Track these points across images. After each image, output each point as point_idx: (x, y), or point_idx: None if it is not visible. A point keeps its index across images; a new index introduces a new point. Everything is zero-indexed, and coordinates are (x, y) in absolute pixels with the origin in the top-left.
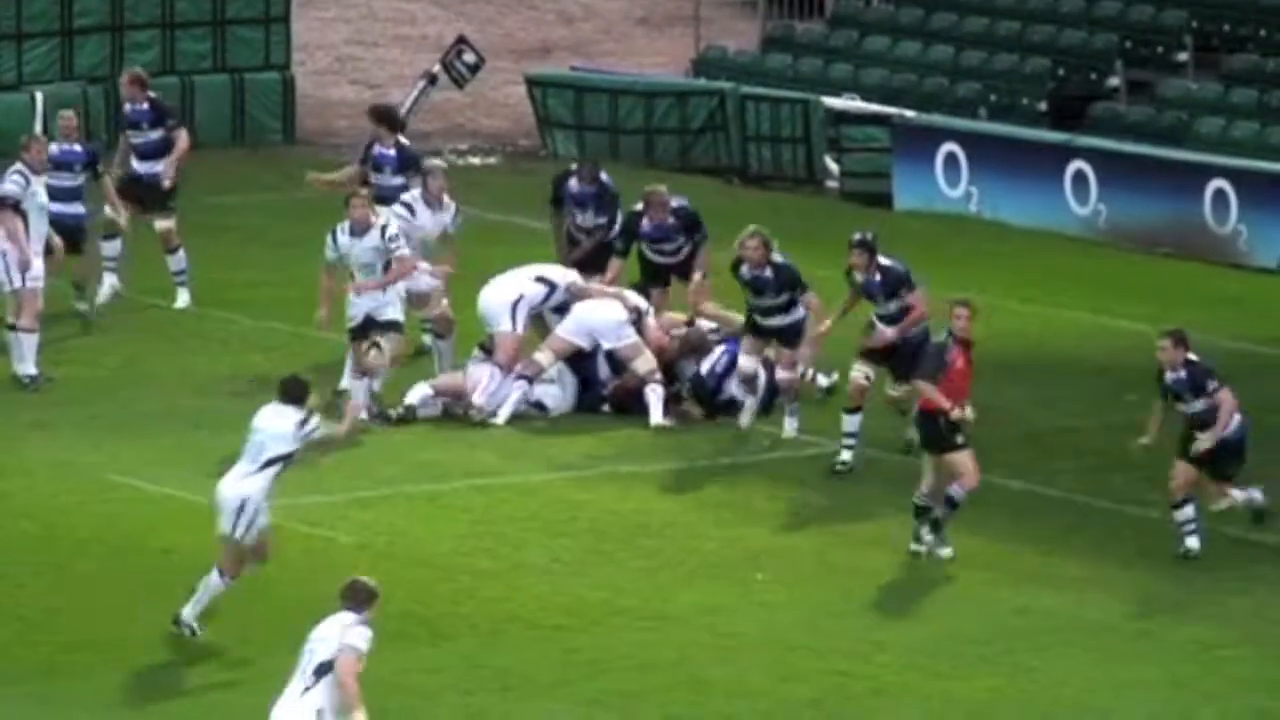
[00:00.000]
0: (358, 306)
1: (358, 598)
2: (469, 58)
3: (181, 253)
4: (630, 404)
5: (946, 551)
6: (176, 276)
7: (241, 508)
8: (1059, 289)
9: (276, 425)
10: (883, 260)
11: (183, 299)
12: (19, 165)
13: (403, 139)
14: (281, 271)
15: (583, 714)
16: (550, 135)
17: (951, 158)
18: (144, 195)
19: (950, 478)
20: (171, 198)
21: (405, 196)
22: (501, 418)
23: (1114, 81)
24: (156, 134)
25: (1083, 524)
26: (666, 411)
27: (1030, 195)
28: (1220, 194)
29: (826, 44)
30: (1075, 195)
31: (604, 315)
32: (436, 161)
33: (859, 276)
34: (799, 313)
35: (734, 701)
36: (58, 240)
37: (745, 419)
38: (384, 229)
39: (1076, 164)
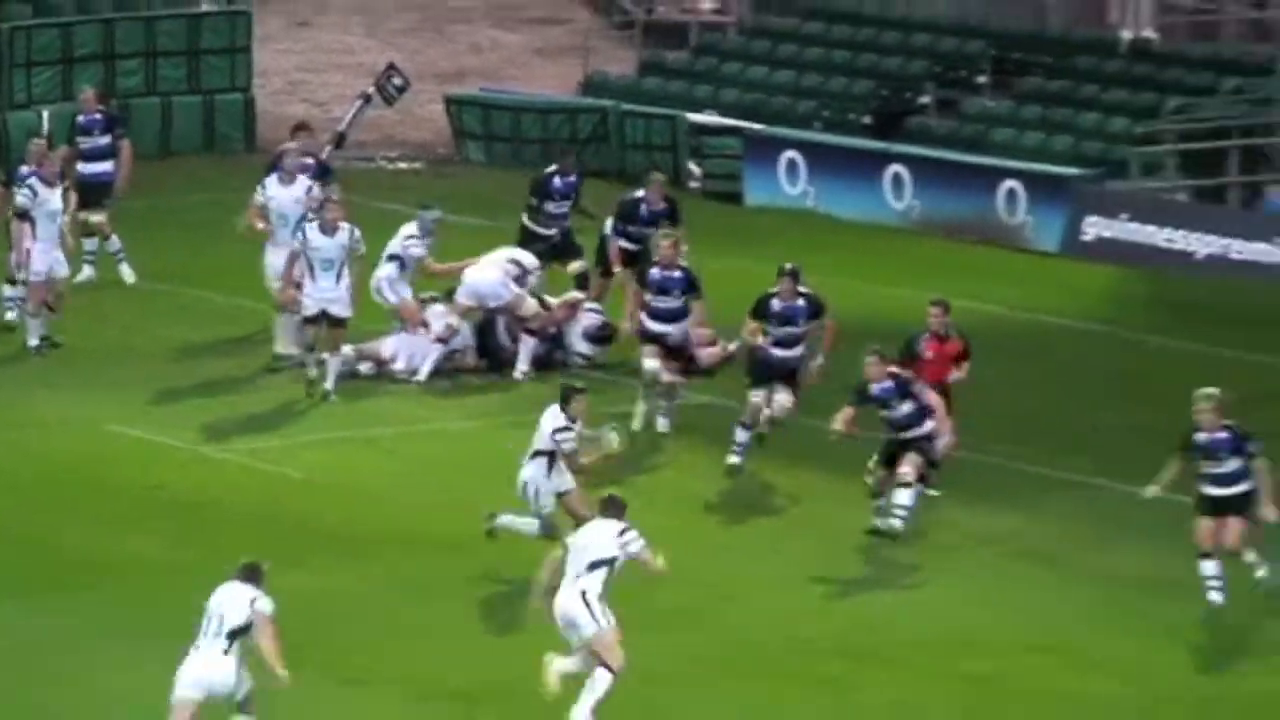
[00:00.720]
0: (314, 298)
1: (254, 576)
2: (398, 81)
3: (115, 237)
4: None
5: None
6: (117, 255)
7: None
8: (882, 271)
9: (599, 541)
10: (802, 288)
11: (128, 273)
12: (32, 179)
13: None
14: (246, 258)
15: (482, 611)
16: (464, 145)
17: (792, 163)
18: (87, 193)
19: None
20: (109, 195)
21: (306, 224)
22: (423, 374)
23: (925, 100)
24: (104, 140)
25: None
26: (533, 364)
27: (856, 193)
28: (1011, 192)
29: (691, 69)
30: (893, 193)
31: (486, 278)
32: (335, 199)
33: (778, 304)
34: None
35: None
36: (70, 241)
37: (663, 423)
38: (353, 231)
39: (894, 168)
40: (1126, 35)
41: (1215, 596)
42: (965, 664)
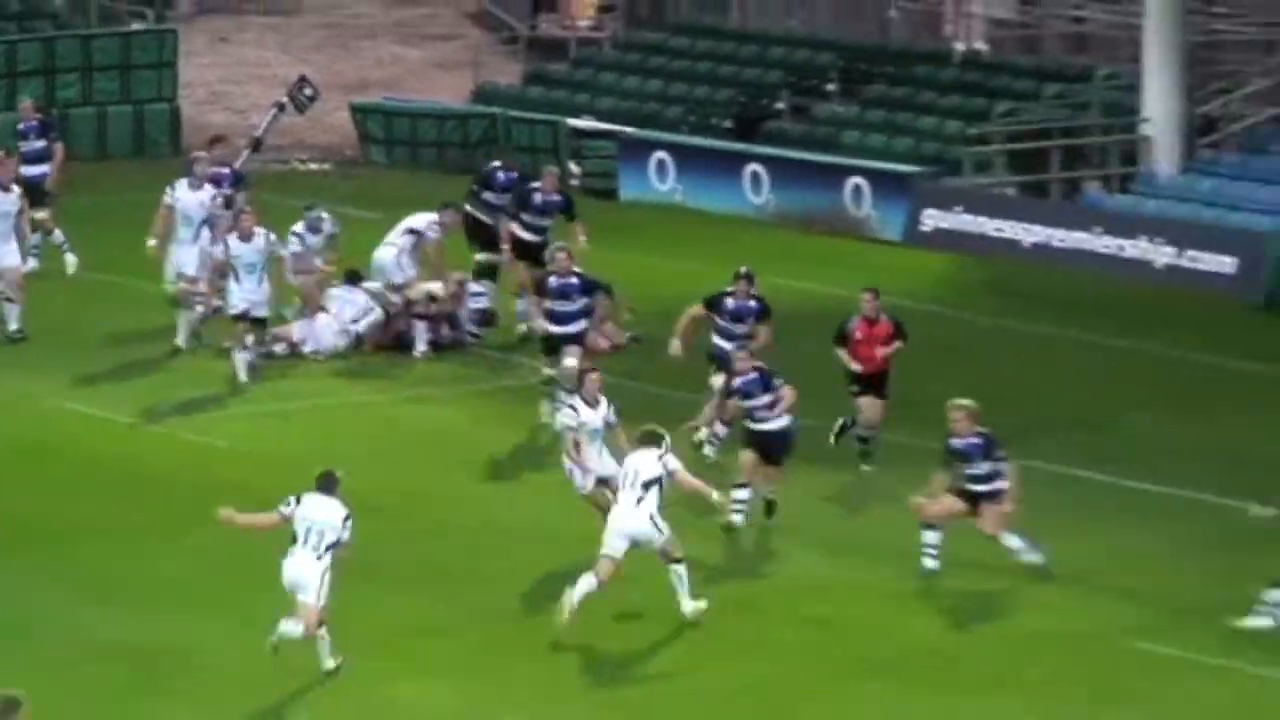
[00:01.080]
0: (241, 299)
1: (330, 485)
2: (308, 91)
3: (58, 230)
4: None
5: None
6: (62, 246)
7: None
8: (742, 259)
9: (646, 464)
10: (754, 291)
11: (72, 262)
12: None
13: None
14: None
15: (389, 558)
16: (368, 148)
17: (662, 162)
18: (29, 193)
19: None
20: (49, 195)
21: (228, 235)
22: (324, 354)
23: (780, 106)
24: (40, 144)
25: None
26: (430, 345)
27: (719, 189)
28: (858, 188)
29: (571, 79)
30: (752, 189)
31: (383, 255)
32: (247, 210)
33: (731, 303)
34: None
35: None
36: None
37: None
38: (269, 236)
39: (753, 166)
40: (960, 47)
41: (929, 563)
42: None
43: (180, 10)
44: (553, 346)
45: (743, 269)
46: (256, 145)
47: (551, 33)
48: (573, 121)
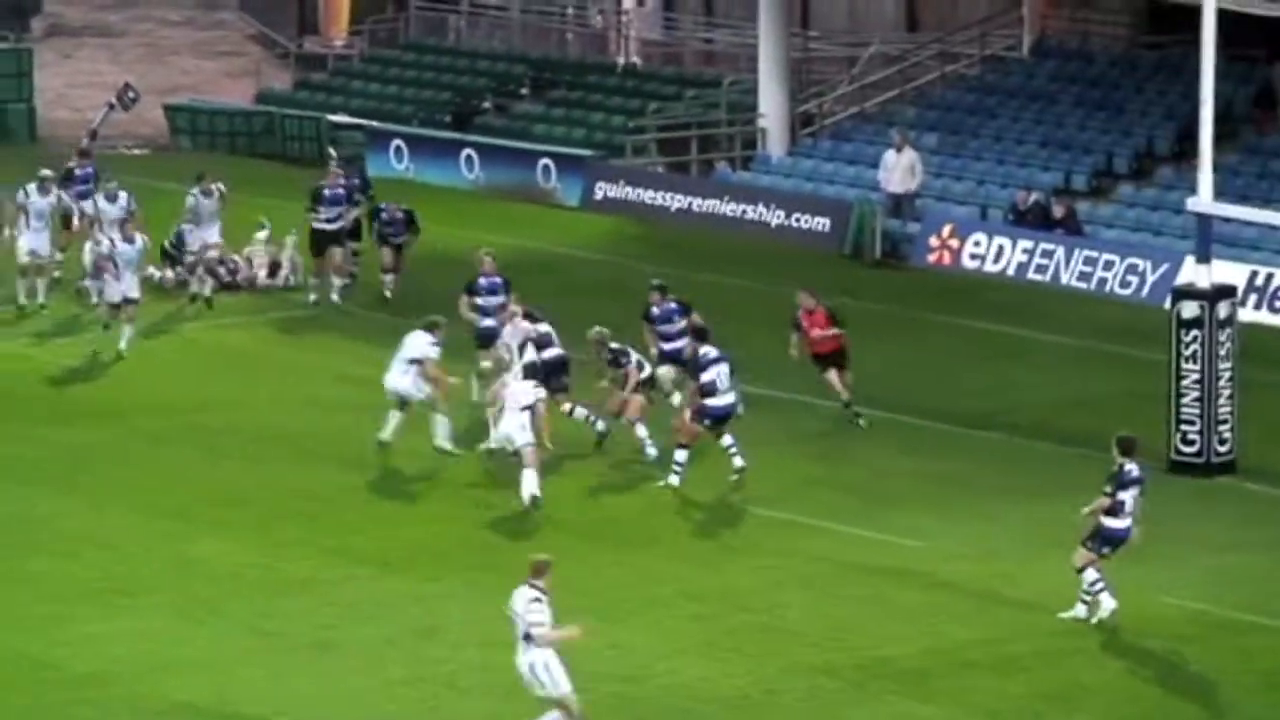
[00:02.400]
0: (118, 290)
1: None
2: (132, 94)
3: None
4: None
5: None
6: None
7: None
8: (458, 221)
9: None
10: (670, 296)
11: None
12: None
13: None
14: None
15: (205, 455)
16: (177, 138)
17: (399, 148)
18: None
19: None
20: None
21: (114, 236)
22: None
23: (486, 105)
24: None
25: None
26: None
27: (441, 168)
28: (546, 167)
29: (329, 85)
30: (466, 168)
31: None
32: (132, 216)
33: (655, 309)
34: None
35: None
36: None
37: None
38: (145, 240)
39: (467, 150)
40: (621, 60)
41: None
42: None
43: (34, 33)
44: (484, 338)
45: (654, 281)
46: (93, 135)
47: (314, 50)
48: (331, 117)
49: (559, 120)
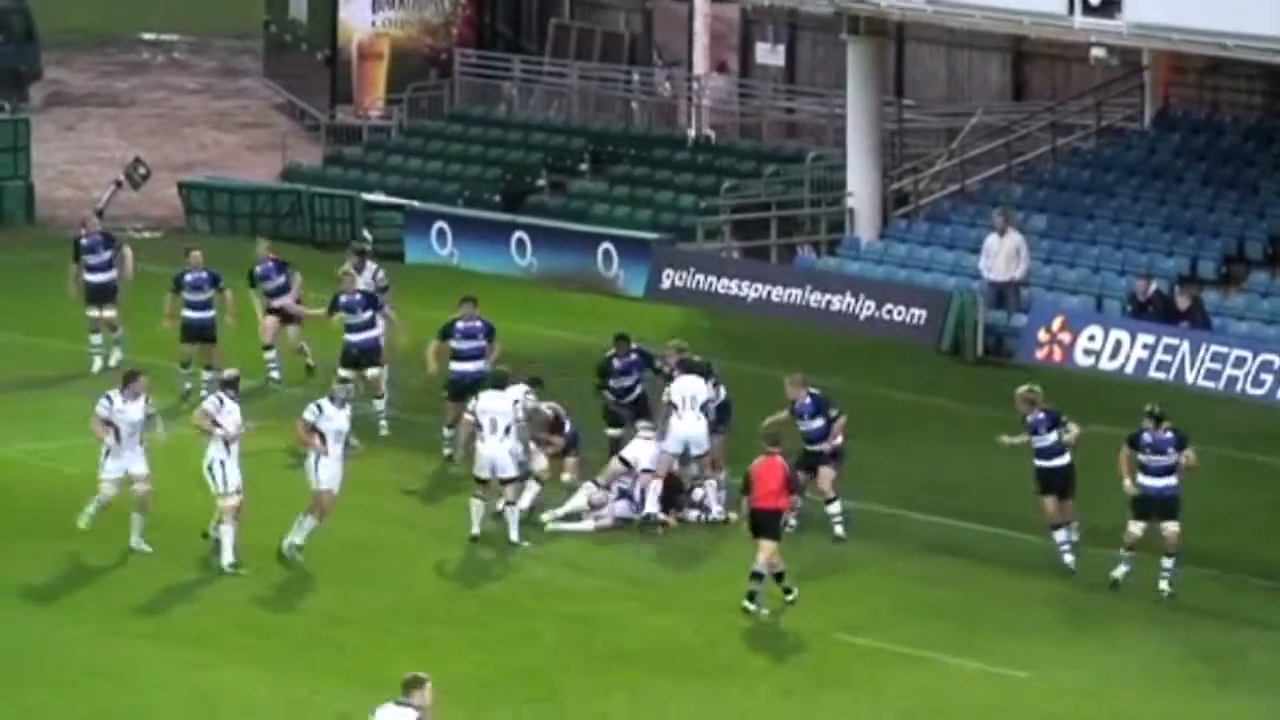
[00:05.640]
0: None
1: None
2: (142, 170)
3: None
4: None
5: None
6: None
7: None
8: (511, 313)
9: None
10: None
11: None
12: None
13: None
14: (28, 303)
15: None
16: (193, 219)
17: (442, 231)
18: None
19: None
20: None
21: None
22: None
23: (541, 183)
24: None
25: None
26: None
27: (490, 253)
28: (607, 252)
29: (364, 161)
30: (518, 253)
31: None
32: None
33: (617, 362)
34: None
35: None
36: None
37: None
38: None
39: (518, 234)
40: (691, 133)
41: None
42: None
43: (32, 103)
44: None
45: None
46: (99, 215)
47: (347, 121)
48: (366, 196)
49: (622, 200)
